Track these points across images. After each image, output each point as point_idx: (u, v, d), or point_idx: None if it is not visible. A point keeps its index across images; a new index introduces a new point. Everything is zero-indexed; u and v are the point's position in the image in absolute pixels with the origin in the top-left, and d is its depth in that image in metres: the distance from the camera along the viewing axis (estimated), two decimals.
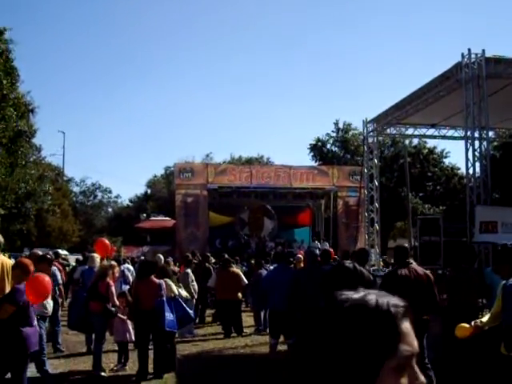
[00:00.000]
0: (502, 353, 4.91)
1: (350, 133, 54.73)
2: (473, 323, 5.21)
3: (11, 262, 8.36)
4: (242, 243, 31.66)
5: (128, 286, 12.52)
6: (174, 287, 11.07)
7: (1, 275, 7.59)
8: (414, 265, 7.79)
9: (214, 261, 19.03)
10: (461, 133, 18.95)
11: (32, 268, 7.44)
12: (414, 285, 7.29)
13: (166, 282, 10.79)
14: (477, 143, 12.93)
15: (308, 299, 9.40)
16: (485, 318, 5.34)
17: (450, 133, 19.90)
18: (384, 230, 27.82)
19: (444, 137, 20.39)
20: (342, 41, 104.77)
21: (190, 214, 30.93)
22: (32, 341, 6.90)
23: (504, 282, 5.09)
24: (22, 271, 7.12)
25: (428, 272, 7.88)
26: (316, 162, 53.50)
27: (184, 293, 11.38)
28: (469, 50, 12.92)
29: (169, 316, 9.74)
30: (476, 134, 12.94)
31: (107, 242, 12.68)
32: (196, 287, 14.87)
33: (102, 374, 9.78)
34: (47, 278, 7.08)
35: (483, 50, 12.83)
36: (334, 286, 3.83)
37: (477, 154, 12.92)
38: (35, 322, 7.09)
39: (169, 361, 9.99)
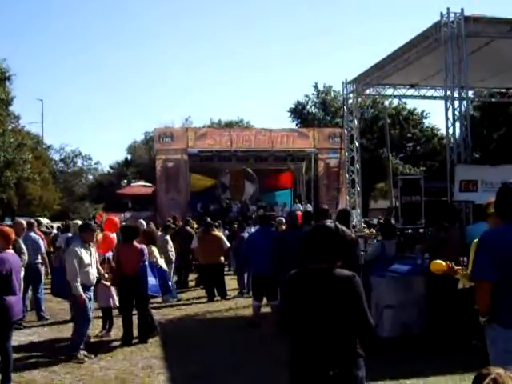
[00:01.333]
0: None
1: (332, 94, 54.70)
2: (448, 262, 5.18)
3: None
4: (224, 207, 31.66)
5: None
6: (158, 255, 11.08)
7: None
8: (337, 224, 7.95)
9: (196, 226, 19.03)
10: (440, 93, 18.89)
11: (13, 236, 7.39)
12: None
13: (150, 248, 10.79)
14: (456, 103, 12.88)
15: (290, 261, 9.45)
16: (464, 270, 5.24)
17: (430, 93, 19.83)
18: (365, 191, 27.93)
19: (424, 97, 20.29)
20: (321, 2, 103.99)
21: (171, 179, 30.78)
22: (15, 309, 6.88)
23: (475, 240, 4.97)
24: (3, 240, 7.06)
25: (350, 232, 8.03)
26: (296, 124, 53.45)
27: (164, 266, 11.37)
28: (448, 8, 12.81)
29: (151, 281, 9.75)
30: (456, 94, 12.90)
31: (116, 219, 13.19)
32: (174, 254, 14.84)
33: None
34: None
35: (462, 9, 12.74)
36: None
37: (457, 113, 12.89)
38: (18, 291, 7.06)
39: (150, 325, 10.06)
